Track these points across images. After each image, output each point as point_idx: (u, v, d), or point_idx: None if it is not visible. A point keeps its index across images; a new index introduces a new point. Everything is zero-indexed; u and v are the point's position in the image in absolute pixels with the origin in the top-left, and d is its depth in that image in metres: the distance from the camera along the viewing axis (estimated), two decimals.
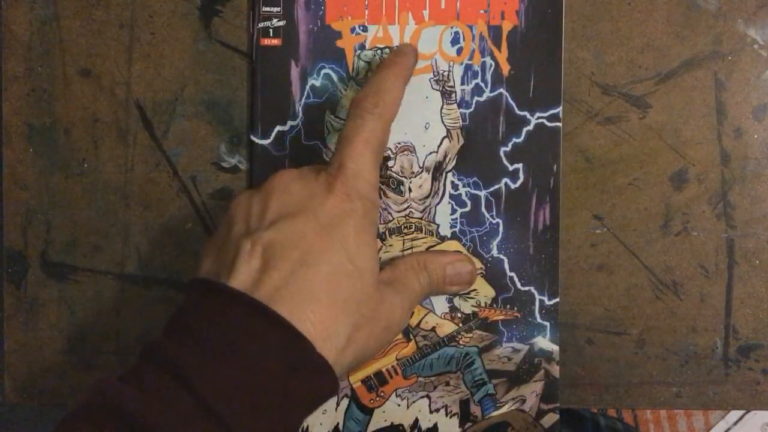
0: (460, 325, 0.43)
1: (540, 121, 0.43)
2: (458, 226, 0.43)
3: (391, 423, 0.43)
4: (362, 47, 0.43)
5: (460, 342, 0.43)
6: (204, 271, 0.35)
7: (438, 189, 0.43)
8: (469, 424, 0.43)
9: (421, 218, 0.43)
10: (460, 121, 0.43)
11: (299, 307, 0.32)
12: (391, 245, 0.43)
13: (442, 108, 0.43)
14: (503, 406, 0.43)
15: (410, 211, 0.43)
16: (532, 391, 0.43)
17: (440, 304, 0.43)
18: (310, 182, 0.36)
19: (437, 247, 0.43)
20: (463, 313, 0.43)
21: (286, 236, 0.33)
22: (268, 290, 0.32)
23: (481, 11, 0.43)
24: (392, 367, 0.43)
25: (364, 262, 0.34)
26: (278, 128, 0.43)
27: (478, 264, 0.43)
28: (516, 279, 0.43)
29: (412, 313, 0.42)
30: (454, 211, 0.43)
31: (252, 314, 0.31)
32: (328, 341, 0.32)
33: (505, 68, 0.43)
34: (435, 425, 0.43)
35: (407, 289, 0.38)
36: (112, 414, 0.28)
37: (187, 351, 0.30)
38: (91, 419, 0.29)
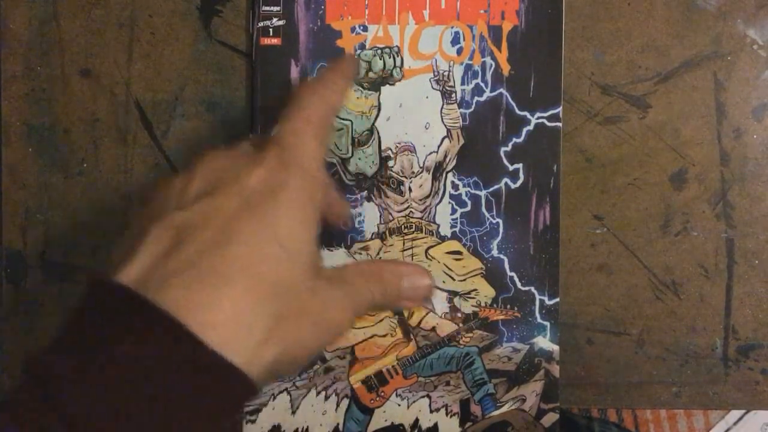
0: (461, 325, 0.43)
1: (540, 121, 0.43)
2: (458, 226, 0.43)
3: (392, 423, 0.43)
4: (362, 47, 0.43)
5: (461, 342, 0.43)
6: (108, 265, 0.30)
7: (438, 189, 0.43)
8: (469, 423, 0.43)
9: (421, 218, 0.43)
10: (461, 121, 0.43)
11: (201, 293, 0.27)
12: (391, 245, 0.43)
13: (442, 108, 0.43)
14: (503, 405, 0.43)
15: (410, 211, 0.43)
16: (532, 391, 0.43)
17: (440, 304, 0.43)
18: (238, 157, 0.31)
19: (436, 248, 0.43)
20: (463, 313, 0.43)
21: (201, 215, 0.29)
22: (162, 277, 0.27)
23: (481, 11, 0.43)
24: (392, 367, 0.43)
25: (295, 243, 0.30)
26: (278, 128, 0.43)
27: (479, 264, 0.43)
28: (516, 279, 0.43)
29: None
30: (454, 211, 0.43)
31: (130, 309, 0.26)
32: (240, 333, 0.27)
33: (506, 68, 0.43)
34: (435, 425, 0.43)
35: (352, 290, 0.33)
36: None
37: (60, 361, 0.26)
38: None
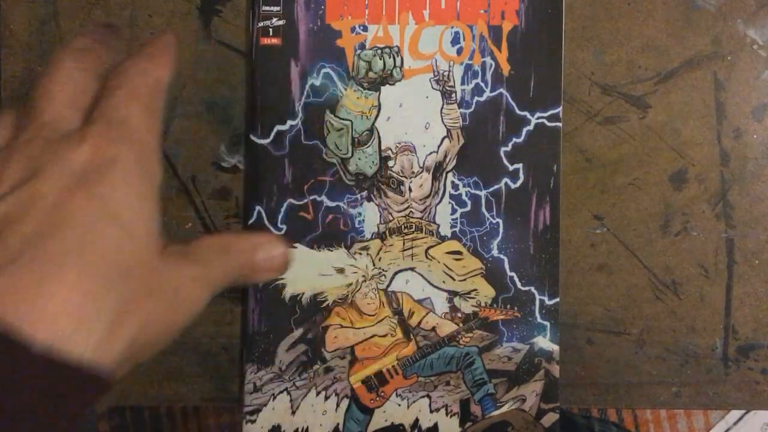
0: (461, 325, 0.43)
1: (540, 121, 0.43)
2: (458, 226, 0.43)
3: (392, 423, 0.43)
4: (362, 47, 0.43)
5: (461, 342, 0.43)
6: None
7: (438, 189, 0.43)
8: (469, 423, 0.43)
9: (421, 218, 0.43)
10: (461, 121, 0.43)
11: (27, 287, 0.24)
12: (391, 245, 0.43)
13: (442, 108, 0.43)
14: (503, 405, 0.43)
15: (410, 211, 0.43)
16: (532, 391, 0.43)
17: (440, 304, 0.43)
18: (57, 137, 0.28)
19: (436, 248, 0.43)
20: (463, 313, 0.43)
21: (19, 206, 0.26)
22: None
23: (481, 11, 0.43)
24: (392, 367, 0.43)
25: (135, 220, 0.27)
26: (278, 128, 0.43)
27: (479, 264, 0.43)
28: (516, 279, 0.43)
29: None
30: (454, 211, 0.43)
31: None
32: (82, 323, 0.25)
33: (506, 68, 0.43)
34: (435, 425, 0.43)
35: (206, 268, 0.31)
36: None
37: None
38: None
